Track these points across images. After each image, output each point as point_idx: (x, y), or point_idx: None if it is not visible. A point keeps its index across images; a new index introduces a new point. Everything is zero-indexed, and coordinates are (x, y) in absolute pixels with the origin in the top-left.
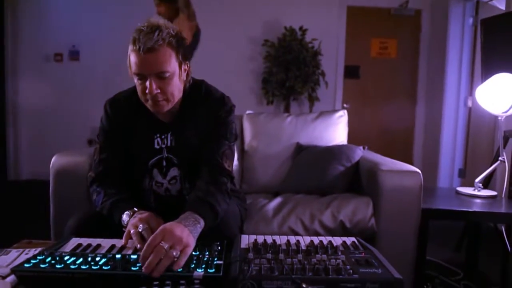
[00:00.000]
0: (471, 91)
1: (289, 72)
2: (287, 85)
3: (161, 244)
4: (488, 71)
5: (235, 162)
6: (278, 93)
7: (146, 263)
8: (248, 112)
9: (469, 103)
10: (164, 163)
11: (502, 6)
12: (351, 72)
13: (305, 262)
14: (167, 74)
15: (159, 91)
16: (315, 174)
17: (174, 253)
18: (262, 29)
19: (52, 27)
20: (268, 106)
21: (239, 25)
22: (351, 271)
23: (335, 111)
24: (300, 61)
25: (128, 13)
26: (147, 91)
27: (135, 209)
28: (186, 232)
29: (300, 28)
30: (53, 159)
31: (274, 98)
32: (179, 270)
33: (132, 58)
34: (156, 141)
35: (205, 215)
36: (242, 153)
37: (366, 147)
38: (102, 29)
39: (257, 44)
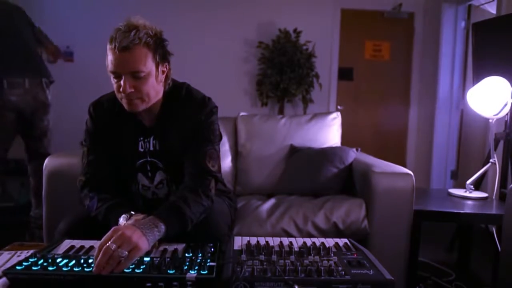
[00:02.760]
0: (463, 94)
1: (283, 74)
2: (281, 87)
3: (108, 244)
4: (479, 74)
5: (229, 163)
6: (272, 94)
7: (95, 263)
8: (242, 113)
9: (462, 106)
10: (149, 167)
11: (493, 10)
12: (345, 74)
13: (298, 264)
14: (142, 74)
15: (133, 90)
16: (308, 175)
17: (121, 254)
18: (257, 31)
19: (46, 28)
20: (262, 108)
21: (233, 27)
22: (343, 272)
23: (328, 113)
24: (294, 63)
25: (122, 15)
26: (121, 89)
27: (132, 212)
28: (138, 234)
29: (295, 30)
30: (46, 161)
31: (268, 99)
32: (172, 272)
33: (109, 56)
34: (140, 144)
35: (168, 221)
36: (236, 154)
37: (359, 149)
38: (96, 30)
39: (252, 46)
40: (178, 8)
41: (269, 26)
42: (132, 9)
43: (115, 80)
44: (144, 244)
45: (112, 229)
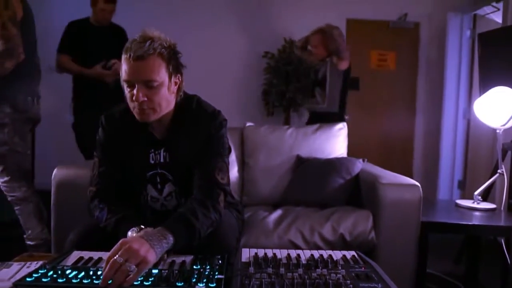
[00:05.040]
0: (470, 103)
1: (289, 83)
2: (287, 97)
3: (115, 258)
4: (486, 84)
5: (236, 174)
6: (278, 104)
7: (102, 277)
8: (248, 124)
9: (468, 115)
10: (158, 179)
11: (499, 19)
12: (350, 83)
13: (306, 277)
14: (155, 84)
15: (145, 99)
16: (315, 186)
17: (129, 268)
18: (262, 40)
19: (55, 39)
20: (268, 118)
21: (239, 37)
22: (351, 286)
23: (334, 123)
24: (300, 73)
25: (130, 25)
26: (134, 98)
27: (142, 226)
28: (146, 247)
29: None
30: (54, 172)
31: (274, 109)
32: (180, 284)
33: (123, 65)
34: (151, 155)
35: (177, 232)
36: (243, 165)
37: (366, 160)
38: None
39: (257, 56)
40: (182, 19)
41: (275, 36)
42: (138, 21)
43: (129, 89)
44: (152, 256)
45: (120, 241)
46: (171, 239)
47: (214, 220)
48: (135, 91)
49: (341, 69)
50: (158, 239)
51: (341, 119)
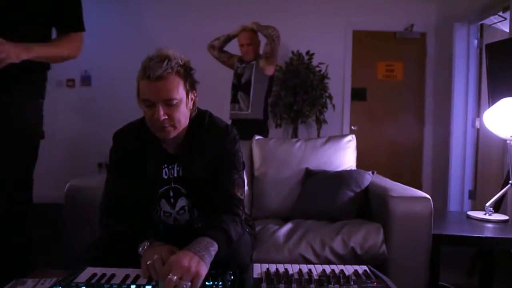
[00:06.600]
0: (478, 112)
1: (297, 95)
2: (295, 109)
3: (169, 277)
4: (494, 95)
5: (245, 187)
6: (286, 116)
7: None
8: (257, 137)
9: (477, 124)
10: (171, 194)
11: (506, 29)
12: (358, 94)
13: None
14: (175, 102)
15: (166, 117)
16: (324, 199)
17: (185, 286)
18: None
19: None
20: (276, 129)
21: None
22: None
23: (343, 136)
24: (308, 85)
25: (138, 39)
26: (155, 116)
27: (151, 240)
28: (196, 260)
29: (307, 53)
30: (66, 186)
31: (282, 121)
32: None
33: (142, 85)
34: (164, 171)
35: (218, 239)
36: (252, 178)
37: (375, 172)
38: (113, 55)
39: None
40: (190, 33)
41: (282, 49)
42: (146, 34)
43: (148, 109)
44: (203, 269)
45: (170, 259)
46: (216, 246)
47: (240, 232)
48: (155, 110)
49: (267, 74)
50: (206, 248)
51: (265, 127)
